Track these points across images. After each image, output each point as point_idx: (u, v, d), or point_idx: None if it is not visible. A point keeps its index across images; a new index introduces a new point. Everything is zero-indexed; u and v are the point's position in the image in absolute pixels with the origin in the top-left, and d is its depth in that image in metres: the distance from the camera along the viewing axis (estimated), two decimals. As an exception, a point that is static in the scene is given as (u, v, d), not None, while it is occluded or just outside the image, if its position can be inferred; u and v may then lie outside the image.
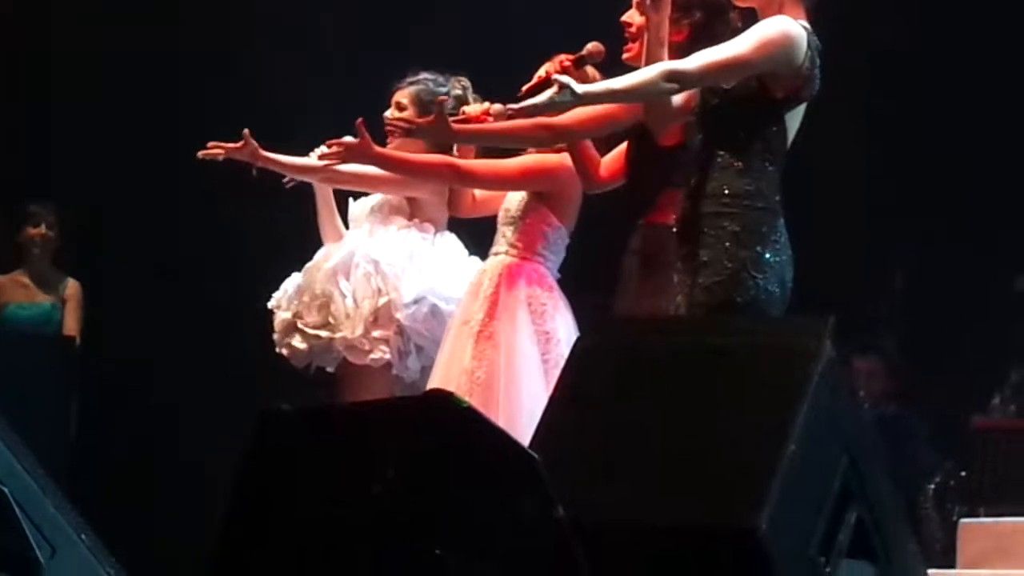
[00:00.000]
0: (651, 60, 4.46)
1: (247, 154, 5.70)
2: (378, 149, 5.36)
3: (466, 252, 5.89)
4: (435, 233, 5.85)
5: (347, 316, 5.72)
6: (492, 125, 4.92)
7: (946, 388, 8.02)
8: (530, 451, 3.29)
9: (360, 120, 5.28)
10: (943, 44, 8.20)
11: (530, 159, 5.37)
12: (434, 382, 5.33)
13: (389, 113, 5.73)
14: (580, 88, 4.28)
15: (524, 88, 4.93)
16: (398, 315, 5.68)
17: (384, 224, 5.86)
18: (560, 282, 5.47)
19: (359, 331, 5.69)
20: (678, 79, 4.32)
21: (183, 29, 8.35)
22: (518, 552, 3.21)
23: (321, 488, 3.42)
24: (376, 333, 5.69)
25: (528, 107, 4.39)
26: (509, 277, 5.36)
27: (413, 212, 5.85)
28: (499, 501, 3.24)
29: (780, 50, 4.31)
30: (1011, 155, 8.14)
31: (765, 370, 3.56)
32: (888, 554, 3.60)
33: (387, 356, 5.69)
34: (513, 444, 3.29)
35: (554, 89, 4.29)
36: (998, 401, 7.82)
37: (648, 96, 4.48)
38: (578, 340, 3.94)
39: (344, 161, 5.44)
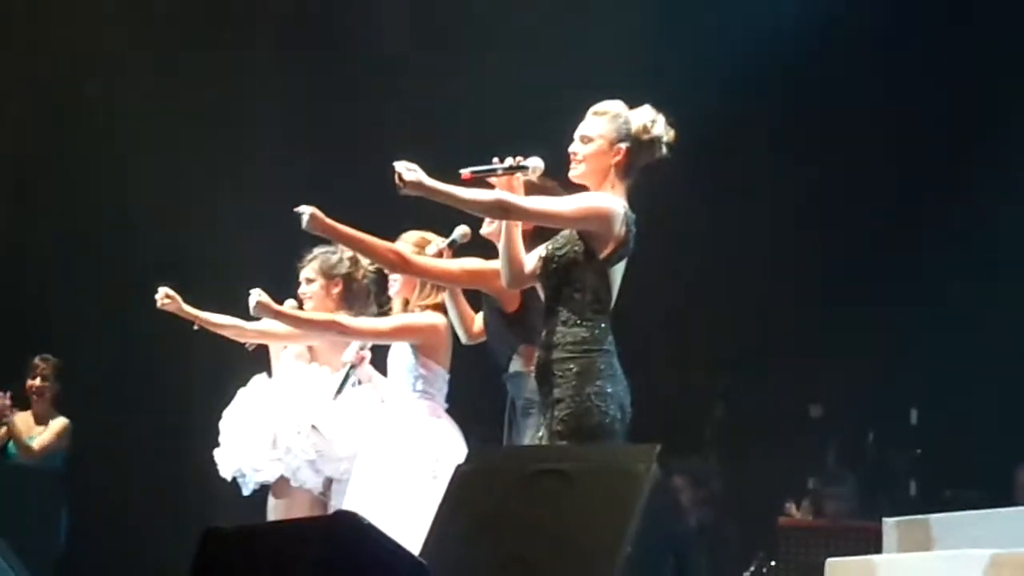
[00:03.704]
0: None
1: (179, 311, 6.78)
2: (275, 307, 6.42)
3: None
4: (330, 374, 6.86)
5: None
6: (353, 233, 5.56)
7: (755, 495, 9.04)
8: (419, 558, 4.03)
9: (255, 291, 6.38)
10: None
11: (402, 319, 6.39)
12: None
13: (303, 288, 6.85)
14: (429, 181, 5.00)
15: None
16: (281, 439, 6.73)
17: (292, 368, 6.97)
18: (450, 411, 6.40)
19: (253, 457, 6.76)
20: (508, 208, 5.15)
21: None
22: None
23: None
24: (269, 455, 6.74)
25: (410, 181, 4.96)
26: (407, 414, 6.35)
27: (312, 357, 6.92)
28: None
29: (596, 217, 5.15)
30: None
31: (604, 489, 4.23)
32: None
33: (278, 473, 6.70)
34: (406, 553, 3.98)
35: (412, 175, 4.96)
36: (801, 503, 8.92)
37: (478, 211, 5.27)
38: (458, 466, 4.61)
39: (255, 314, 6.44)
